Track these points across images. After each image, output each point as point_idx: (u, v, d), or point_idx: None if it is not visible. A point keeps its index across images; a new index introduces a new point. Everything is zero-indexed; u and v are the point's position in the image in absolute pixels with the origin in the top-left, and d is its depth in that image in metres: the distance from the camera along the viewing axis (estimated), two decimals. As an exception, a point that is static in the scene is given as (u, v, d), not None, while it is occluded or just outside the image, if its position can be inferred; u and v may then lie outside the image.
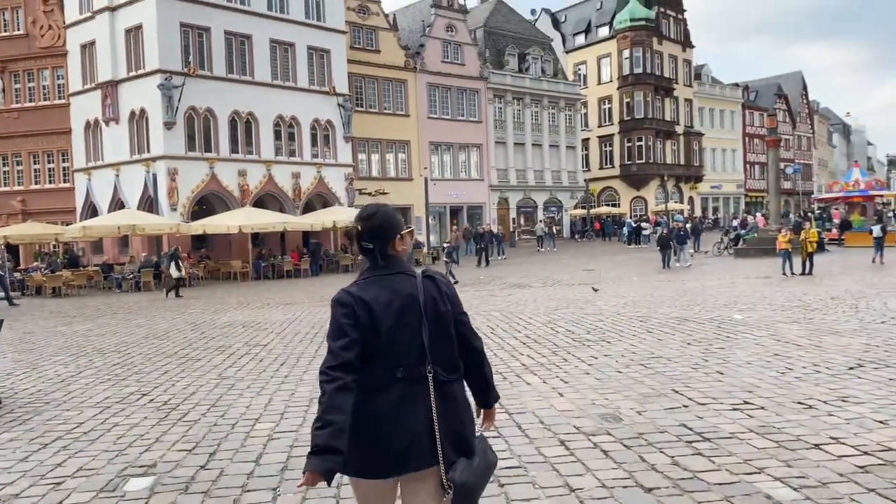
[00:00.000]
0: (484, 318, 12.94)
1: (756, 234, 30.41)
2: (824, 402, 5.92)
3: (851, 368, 7.17)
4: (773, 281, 18.18)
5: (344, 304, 2.52)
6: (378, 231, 2.60)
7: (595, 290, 16.78)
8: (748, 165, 67.89)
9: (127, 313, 17.09)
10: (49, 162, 33.13)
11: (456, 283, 19.60)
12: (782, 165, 71.83)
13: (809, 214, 42.18)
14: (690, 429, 5.32)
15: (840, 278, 18.05)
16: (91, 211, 31.63)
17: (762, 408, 5.81)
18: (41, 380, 8.59)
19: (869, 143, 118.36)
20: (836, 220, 38.21)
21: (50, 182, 33.13)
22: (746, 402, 5.99)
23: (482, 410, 2.86)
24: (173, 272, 20.93)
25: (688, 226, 29.29)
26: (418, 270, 2.67)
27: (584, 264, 27.50)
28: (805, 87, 76.56)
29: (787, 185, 72.68)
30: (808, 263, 19.81)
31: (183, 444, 5.49)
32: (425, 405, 2.50)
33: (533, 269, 26.01)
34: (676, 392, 6.44)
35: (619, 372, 7.48)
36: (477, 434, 2.65)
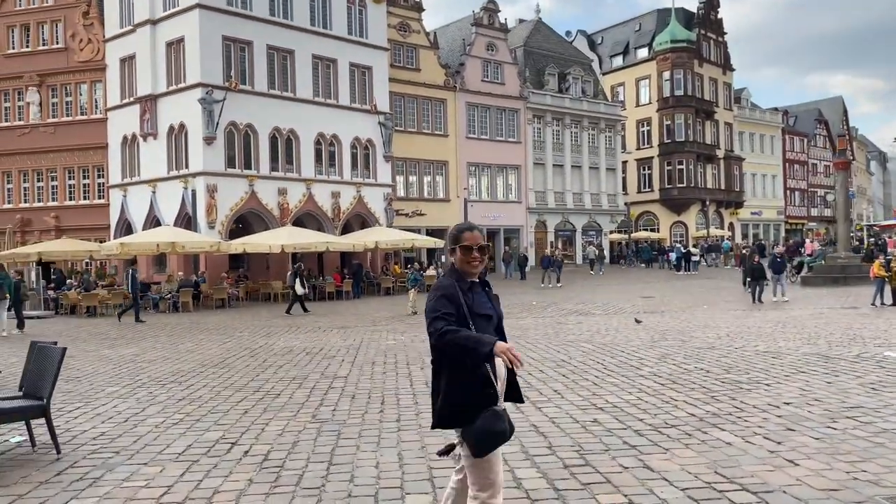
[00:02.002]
0: (578, 349, 11.45)
1: (824, 262, 28.68)
2: None
3: None
4: (865, 312, 16.60)
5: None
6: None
7: (638, 322, 15.24)
8: (788, 192, 65.95)
9: (170, 336, 15.81)
10: (84, 177, 32.25)
11: None
12: (822, 192, 70.16)
13: (879, 242, 40.22)
14: None
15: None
16: (125, 228, 30.62)
17: None
18: (100, 418, 7.22)
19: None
20: (892, 249, 36.46)
21: (84, 198, 32.22)
22: None
23: None
24: (298, 289, 20.86)
25: (775, 250, 26.54)
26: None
27: (639, 291, 26.02)
28: (846, 113, 74.72)
29: (827, 212, 70.70)
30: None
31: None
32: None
33: (585, 295, 24.51)
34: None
35: (832, 428, 5.96)
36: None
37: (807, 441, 5.54)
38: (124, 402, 8.08)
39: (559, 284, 29.66)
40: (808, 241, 46.06)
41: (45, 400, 5.73)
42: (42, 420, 5.91)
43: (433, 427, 3.23)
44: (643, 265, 45.18)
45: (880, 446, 5.35)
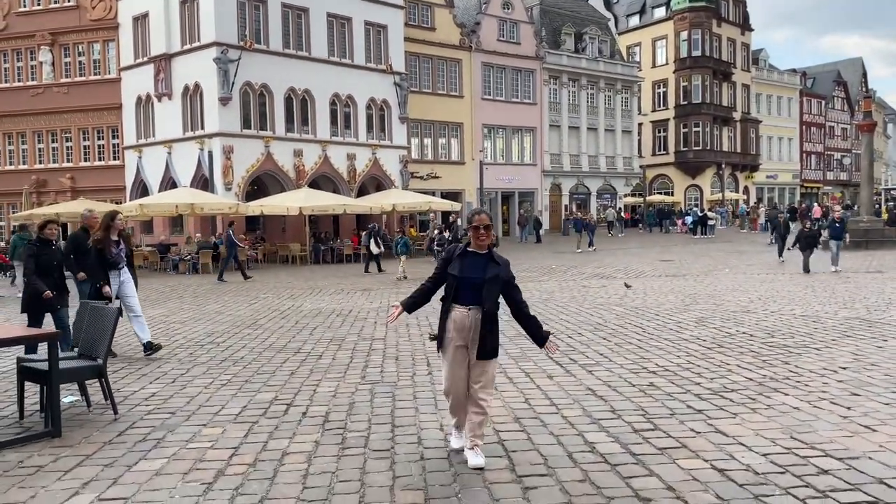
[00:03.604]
0: (610, 312, 11.36)
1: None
2: None
3: None
4: (893, 276, 16.40)
5: None
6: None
7: (628, 287, 15.08)
8: (804, 155, 65.15)
9: (194, 297, 15.80)
10: (99, 138, 32.02)
11: None
12: (838, 156, 69.26)
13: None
14: None
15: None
16: (141, 189, 30.50)
17: None
18: (146, 379, 7.19)
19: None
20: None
21: (99, 159, 32.02)
22: None
23: None
24: (373, 248, 21.13)
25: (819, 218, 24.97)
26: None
27: (657, 254, 25.89)
28: (865, 75, 73.33)
29: (843, 175, 69.96)
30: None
31: (413, 498, 3.99)
32: None
33: (605, 258, 24.37)
34: None
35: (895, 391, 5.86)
36: None
37: (877, 406, 5.45)
38: (167, 362, 8.04)
39: (592, 248, 28.43)
40: (815, 205, 45.50)
41: (101, 361, 5.67)
42: (94, 380, 5.89)
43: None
44: (646, 230, 44.86)
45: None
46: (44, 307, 7.49)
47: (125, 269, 8.43)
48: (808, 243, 18.19)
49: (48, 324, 7.69)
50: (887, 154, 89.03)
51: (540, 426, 5.18)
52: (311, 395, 6.35)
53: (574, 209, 42.44)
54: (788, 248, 21.06)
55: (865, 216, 27.45)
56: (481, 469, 4.25)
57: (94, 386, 6.16)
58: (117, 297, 8.26)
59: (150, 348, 8.33)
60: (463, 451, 4.46)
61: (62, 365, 5.36)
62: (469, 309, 4.35)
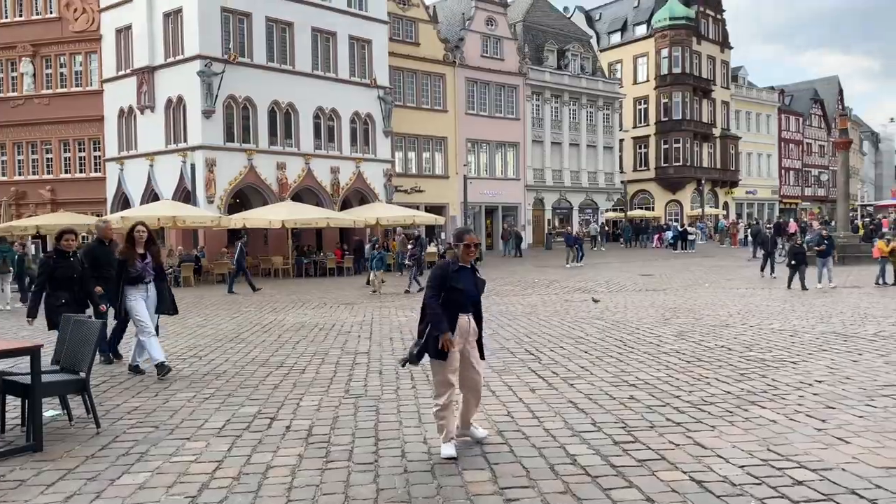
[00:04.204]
0: (592, 326, 11.47)
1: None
2: None
3: None
4: (869, 291, 16.70)
5: None
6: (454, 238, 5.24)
7: (595, 302, 15.21)
8: (783, 171, 66.11)
9: (177, 311, 15.68)
10: (80, 150, 31.81)
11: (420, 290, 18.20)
12: (816, 172, 70.32)
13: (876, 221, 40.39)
14: None
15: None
16: (122, 202, 30.32)
17: None
18: (129, 392, 7.16)
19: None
20: (886, 229, 36.70)
21: (80, 171, 31.79)
22: None
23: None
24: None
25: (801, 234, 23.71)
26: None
27: (637, 269, 26.11)
28: (841, 93, 74.67)
29: (820, 191, 71.02)
30: (901, 273, 18.32)
31: None
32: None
33: (587, 273, 24.55)
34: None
35: (871, 406, 6.00)
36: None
37: (850, 419, 5.57)
38: (149, 376, 8.01)
39: (580, 264, 28.03)
40: (792, 220, 46.12)
41: (84, 375, 5.66)
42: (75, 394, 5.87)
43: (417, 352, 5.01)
44: (626, 244, 45.15)
45: (925, 424, 5.38)
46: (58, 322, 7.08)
47: (152, 284, 8.00)
48: (798, 260, 17.67)
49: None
50: (863, 171, 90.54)
51: (522, 439, 5.24)
52: (295, 408, 6.37)
53: (575, 224, 42.68)
54: (776, 267, 21.26)
55: (842, 232, 27.90)
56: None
57: (76, 399, 6.14)
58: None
59: (162, 370, 7.83)
60: (457, 459, 4.80)
61: (44, 379, 5.35)
62: (468, 315, 5.06)
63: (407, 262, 20.08)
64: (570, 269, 26.79)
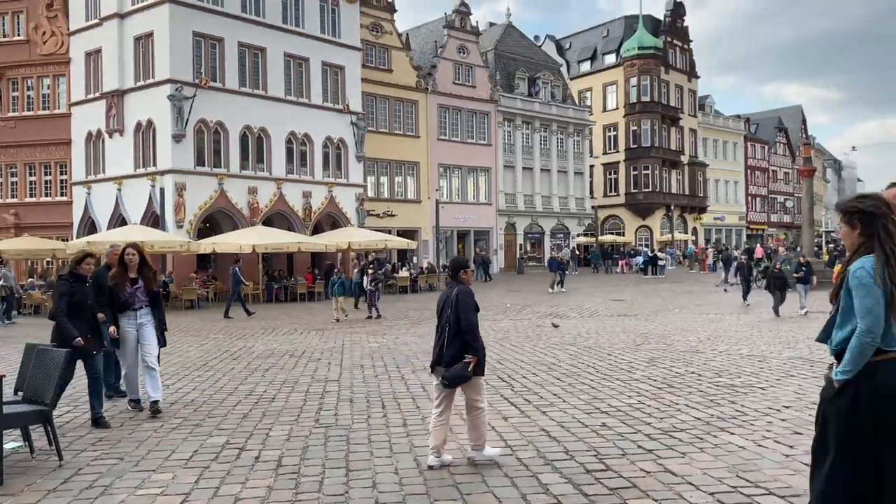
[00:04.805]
0: (564, 352, 11.51)
1: (789, 267, 29.34)
2: None
3: None
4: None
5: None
6: (455, 268, 5.61)
7: (556, 327, 15.36)
8: (750, 197, 67.43)
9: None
10: (46, 174, 31.34)
11: (378, 317, 18.78)
12: (781, 199, 71.84)
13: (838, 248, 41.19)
14: None
15: None
16: (89, 226, 29.83)
17: None
18: (89, 422, 7.00)
19: (859, 180, 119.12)
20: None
21: (46, 195, 31.29)
22: None
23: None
24: (365, 285, 21.35)
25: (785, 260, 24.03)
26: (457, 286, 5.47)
27: (608, 293, 26.33)
28: (804, 122, 76.68)
29: (786, 218, 72.49)
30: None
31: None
32: (440, 343, 5.38)
33: (559, 298, 24.69)
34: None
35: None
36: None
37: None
38: (114, 404, 7.84)
39: (563, 289, 27.67)
40: (758, 245, 46.96)
41: (47, 406, 5.52)
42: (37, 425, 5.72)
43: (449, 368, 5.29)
44: (594, 269, 45.53)
45: None
46: (75, 354, 6.52)
47: (144, 311, 7.46)
48: (778, 285, 17.38)
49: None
50: (826, 197, 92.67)
51: (494, 468, 5.22)
52: (264, 438, 6.27)
53: (557, 249, 42.82)
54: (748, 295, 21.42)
55: (808, 257, 28.44)
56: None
57: (38, 430, 5.99)
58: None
59: (154, 408, 7.34)
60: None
61: (6, 409, 5.20)
62: None
63: (368, 286, 19.76)
64: (553, 294, 26.85)
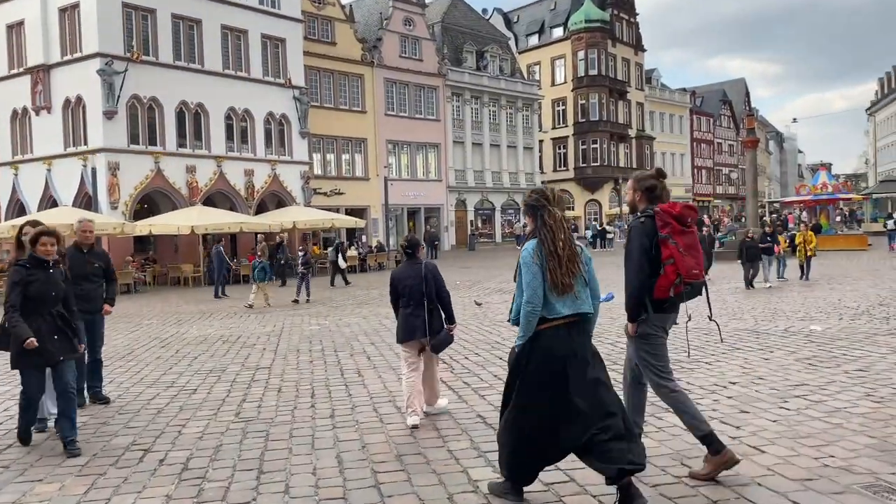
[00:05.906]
0: (509, 330, 11.07)
1: (733, 238, 29.64)
2: None
3: None
4: (778, 286, 17.04)
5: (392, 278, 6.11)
6: (415, 247, 6.12)
7: (478, 305, 14.90)
8: (696, 170, 68.33)
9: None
10: (-32, 154, 29.55)
11: (307, 300, 17.71)
12: (726, 171, 73.04)
13: (781, 218, 41.93)
14: None
15: (847, 282, 17.05)
16: (18, 209, 28.36)
17: None
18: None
19: (800, 151, 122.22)
20: (792, 225, 38.14)
21: (-31, 177, 29.55)
22: None
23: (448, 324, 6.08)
24: (340, 262, 23.01)
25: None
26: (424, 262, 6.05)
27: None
28: (748, 95, 77.88)
29: (731, 189, 73.80)
30: (805, 268, 18.87)
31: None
32: (422, 316, 5.88)
33: (507, 273, 24.37)
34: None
35: (785, 409, 5.82)
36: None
37: (764, 424, 5.36)
38: (12, 401, 7.14)
39: None
40: (705, 216, 47.49)
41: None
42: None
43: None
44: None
45: (838, 427, 5.21)
46: (35, 360, 5.25)
47: None
48: (750, 255, 16.93)
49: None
50: (769, 169, 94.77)
51: (423, 464, 4.79)
52: (175, 437, 5.71)
53: (483, 224, 42.58)
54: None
55: (752, 228, 28.72)
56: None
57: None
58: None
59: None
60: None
61: None
62: None
63: (300, 269, 18.56)
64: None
